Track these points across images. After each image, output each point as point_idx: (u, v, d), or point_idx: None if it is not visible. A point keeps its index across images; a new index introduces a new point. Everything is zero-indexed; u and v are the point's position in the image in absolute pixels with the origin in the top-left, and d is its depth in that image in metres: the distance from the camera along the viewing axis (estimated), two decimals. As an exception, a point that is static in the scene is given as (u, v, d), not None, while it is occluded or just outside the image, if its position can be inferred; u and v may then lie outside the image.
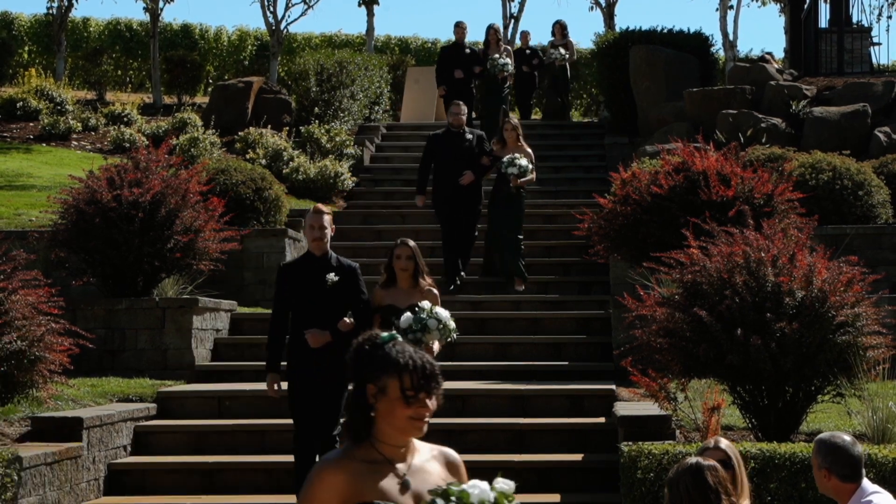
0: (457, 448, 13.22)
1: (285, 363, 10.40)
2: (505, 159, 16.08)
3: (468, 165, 16.06)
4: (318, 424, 10.14)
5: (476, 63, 20.62)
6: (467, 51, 20.74)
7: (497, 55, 20.76)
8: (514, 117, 17.30)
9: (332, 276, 10.12)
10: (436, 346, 10.03)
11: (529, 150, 16.52)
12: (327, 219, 10.25)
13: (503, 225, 16.17)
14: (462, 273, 16.23)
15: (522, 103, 24.93)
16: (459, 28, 21.06)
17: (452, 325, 10.07)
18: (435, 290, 10.40)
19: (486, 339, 14.65)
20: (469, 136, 16.22)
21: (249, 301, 16.17)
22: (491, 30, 21.13)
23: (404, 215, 18.87)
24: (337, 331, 10.07)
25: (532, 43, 25.30)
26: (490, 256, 16.60)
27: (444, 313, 10.04)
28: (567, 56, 24.53)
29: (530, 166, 16.20)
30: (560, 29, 24.80)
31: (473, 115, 20.87)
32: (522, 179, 16.11)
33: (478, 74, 20.69)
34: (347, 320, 10.12)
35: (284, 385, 10.38)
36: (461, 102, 16.48)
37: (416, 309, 10.03)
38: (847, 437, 6.48)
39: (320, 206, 10.44)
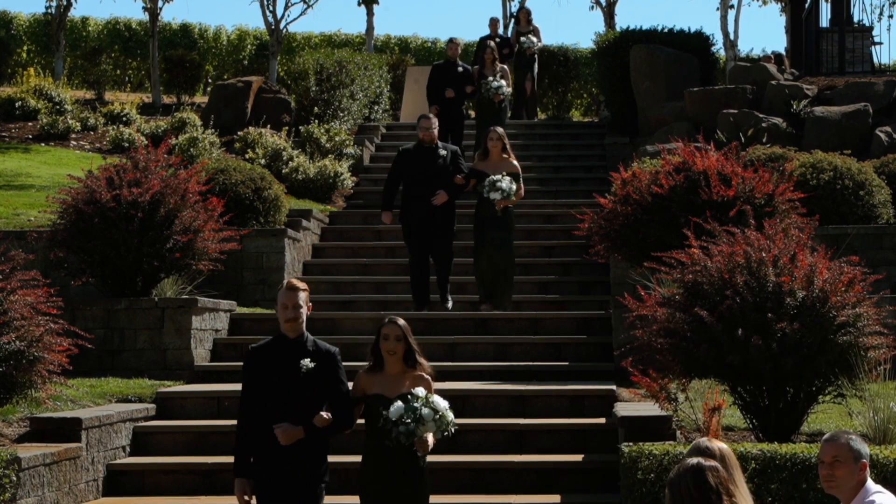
0: (457, 448, 13.03)
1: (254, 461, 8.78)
2: (486, 182, 15.17)
3: (441, 183, 15.26)
4: None
5: (467, 82, 20.00)
6: (459, 69, 20.13)
7: (491, 77, 19.93)
8: (500, 127, 16.30)
9: (306, 363, 8.65)
10: (430, 438, 8.62)
11: (516, 163, 15.65)
12: (303, 296, 8.69)
13: (495, 251, 15.34)
14: (448, 304, 15.49)
15: None
16: (452, 45, 20.56)
17: (451, 416, 8.68)
18: (428, 377, 8.88)
19: (486, 339, 14.61)
20: (443, 152, 15.29)
21: (249, 301, 16.15)
22: (487, 48, 20.38)
23: (404, 215, 18.82)
24: (312, 426, 8.59)
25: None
26: (483, 283, 15.51)
27: (441, 403, 8.68)
28: (538, 45, 24.15)
29: (514, 187, 15.22)
30: (525, 15, 24.53)
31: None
32: (508, 200, 15.26)
33: (469, 94, 20.08)
34: (325, 415, 8.63)
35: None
36: (431, 116, 15.64)
37: (409, 397, 8.62)
38: (855, 436, 6.47)
39: (294, 281, 8.80)
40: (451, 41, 20.78)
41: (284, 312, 8.64)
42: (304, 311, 8.71)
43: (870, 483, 6.47)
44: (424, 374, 8.84)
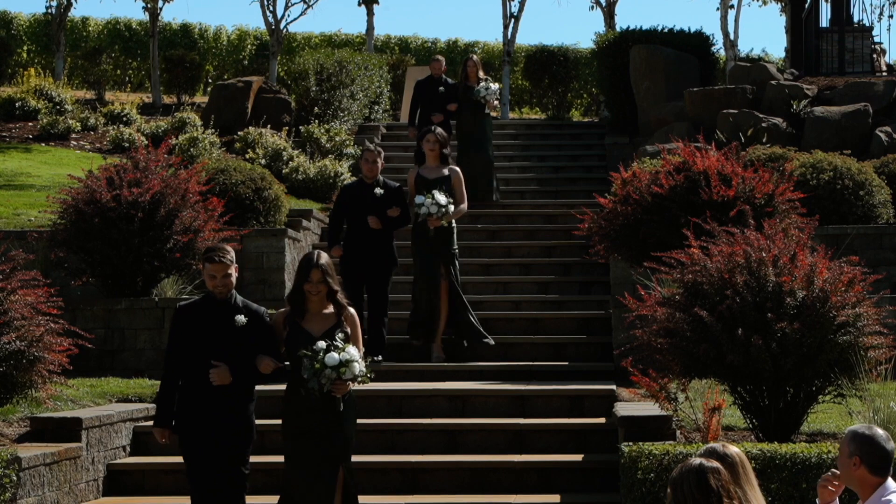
0: (457, 448, 13.04)
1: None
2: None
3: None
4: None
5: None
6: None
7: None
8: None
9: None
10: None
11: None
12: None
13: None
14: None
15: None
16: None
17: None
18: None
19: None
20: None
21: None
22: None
23: (404, 215, 18.78)
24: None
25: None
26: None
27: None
28: (496, 90, 19.14)
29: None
30: (474, 68, 19.31)
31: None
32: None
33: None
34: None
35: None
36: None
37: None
38: (882, 432, 6.43)
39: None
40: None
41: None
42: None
43: (891, 482, 6.40)
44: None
